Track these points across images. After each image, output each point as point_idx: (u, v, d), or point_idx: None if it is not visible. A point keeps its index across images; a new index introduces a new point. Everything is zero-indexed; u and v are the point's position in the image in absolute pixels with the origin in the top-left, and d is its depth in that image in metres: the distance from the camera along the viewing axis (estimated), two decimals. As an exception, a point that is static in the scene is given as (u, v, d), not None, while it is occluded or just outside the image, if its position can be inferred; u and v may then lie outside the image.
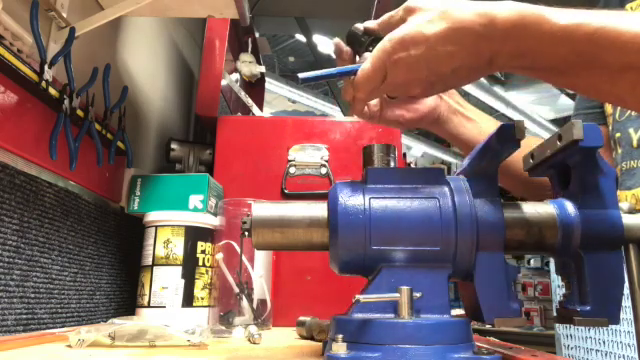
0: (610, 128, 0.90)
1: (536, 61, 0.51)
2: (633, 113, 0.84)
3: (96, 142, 0.99)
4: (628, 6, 0.83)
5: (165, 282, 0.99)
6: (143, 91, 1.36)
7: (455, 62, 0.51)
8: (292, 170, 1.31)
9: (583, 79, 0.51)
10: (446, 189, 0.53)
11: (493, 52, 0.50)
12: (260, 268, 1.01)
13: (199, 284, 1.01)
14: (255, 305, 0.98)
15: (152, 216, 1.05)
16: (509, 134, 0.52)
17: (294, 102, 6.72)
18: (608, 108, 0.91)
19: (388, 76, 0.53)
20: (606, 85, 0.50)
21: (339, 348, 0.46)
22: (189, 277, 1.00)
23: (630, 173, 0.84)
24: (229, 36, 1.42)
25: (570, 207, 0.53)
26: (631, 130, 0.84)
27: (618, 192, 0.81)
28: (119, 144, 1.09)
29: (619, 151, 0.87)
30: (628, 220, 0.52)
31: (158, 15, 1.11)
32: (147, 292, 0.98)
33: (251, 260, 1.00)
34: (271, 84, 5.79)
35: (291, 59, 6.95)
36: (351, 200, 0.52)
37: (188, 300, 0.99)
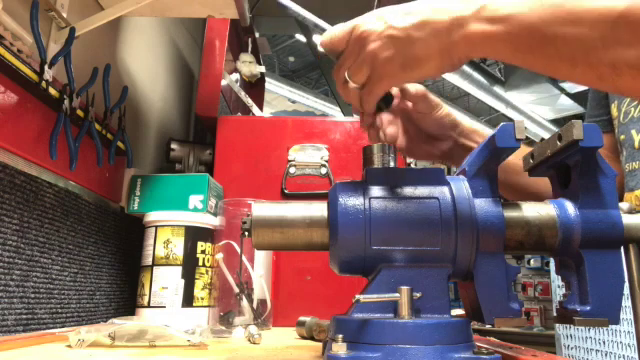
0: (616, 131, 0.91)
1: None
2: (635, 115, 0.84)
3: (96, 142, 0.99)
4: None
5: (165, 282, 0.99)
6: (143, 91, 1.36)
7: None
8: (292, 170, 1.31)
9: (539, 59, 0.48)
10: (446, 189, 0.53)
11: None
12: (260, 268, 1.01)
13: (199, 284, 1.01)
14: (255, 305, 0.98)
15: (152, 216, 1.05)
16: (509, 134, 0.52)
17: (294, 102, 6.72)
18: (613, 111, 0.92)
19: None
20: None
21: (339, 348, 0.46)
22: (189, 277, 1.00)
23: (632, 174, 0.84)
24: (229, 36, 1.42)
25: (570, 207, 0.53)
26: (633, 132, 0.84)
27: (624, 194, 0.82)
28: (119, 144, 1.09)
29: (624, 153, 0.88)
30: (628, 220, 0.52)
31: (158, 15, 1.11)
32: (147, 292, 0.98)
33: (251, 260, 1.00)
34: (271, 84, 5.79)
35: (291, 59, 6.95)
36: (351, 200, 0.52)
37: (188, 300, 0.99)
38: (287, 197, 1.28)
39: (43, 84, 0.81)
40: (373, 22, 0.52)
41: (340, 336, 0.47)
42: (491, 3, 0.46)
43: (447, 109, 0.72)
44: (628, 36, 0.40)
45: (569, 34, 0.42)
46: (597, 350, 1.76)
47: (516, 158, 0.61)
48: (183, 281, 0.99)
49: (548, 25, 0.43)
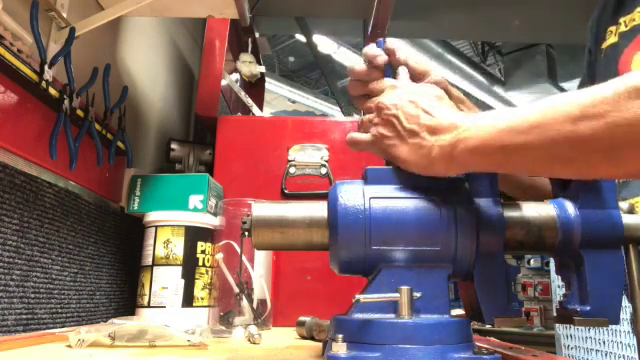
0: None
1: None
2: None
3: (96, 142, 0.99)
4: (622, 20, 0.82)
5: (165, 282, 0.99)
6: (143, 91, 1.36)
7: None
8: (292, 170, 1.31)
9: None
10: (446, 189, 0.53)
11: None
12: (260, 268, 1.01)
13: (199, 284, 1.01)
14: (255, 305, 0.98)
15: (152, 216, 1.05)
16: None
17: (294, 102, 6.72)
18: None
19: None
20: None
21: (339, 348, 0.46)
22: (189, 277, 1.00)
23: (623, 184, 0.84)
24: (229, 36, 1.42)
25: (570, 207, 0.53)
26: None
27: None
28: (119, 144, 1.09)
29: None
30: (628, 220, 0.52)
31: (158, 15, 1.11)
32: (147, 292, 0.98)
33: (251, 260, 1.00)
34: (271, 84, 5.79)
35: (291, 59, 6.94)
36: (351, 200, 0.52)
37: (188, 300, 0.99)
38: (287, 197, 1.28)
39: (43, 84, 0.81)
40: (396, 100, 0.55)
41: (340, 336, 0.47)
42: (464, 131, 0.49)
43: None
44: (591, 136, 0.42)
45: (536, 144, 0.45)
46: (597, 350, 1.76)
47: None
48: (183, 281, 0.99)
49: (516, 140, 0.46)
